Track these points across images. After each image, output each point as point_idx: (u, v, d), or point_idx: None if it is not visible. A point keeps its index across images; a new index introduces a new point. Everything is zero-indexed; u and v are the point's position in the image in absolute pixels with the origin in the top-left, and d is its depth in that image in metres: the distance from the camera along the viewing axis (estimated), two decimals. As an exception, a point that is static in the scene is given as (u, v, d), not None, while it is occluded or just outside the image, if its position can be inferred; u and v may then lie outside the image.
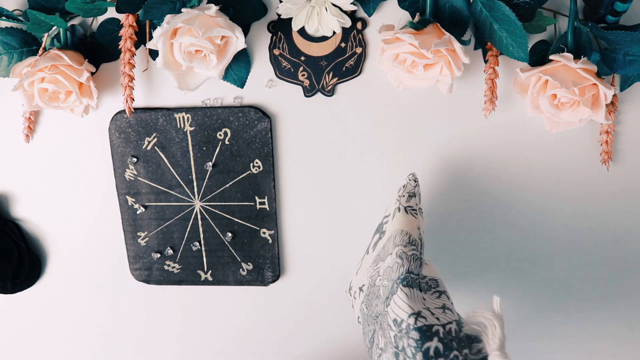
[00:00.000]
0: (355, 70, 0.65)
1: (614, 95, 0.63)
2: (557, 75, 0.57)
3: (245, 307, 0.78)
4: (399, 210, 0.59)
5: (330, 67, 0.65)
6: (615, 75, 0.63)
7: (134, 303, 0.79)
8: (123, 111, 0.68)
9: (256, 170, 0.70)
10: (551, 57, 0.59)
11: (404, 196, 0.60)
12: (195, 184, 0.71)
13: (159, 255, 0.75)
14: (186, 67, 0.60)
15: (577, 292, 0.73)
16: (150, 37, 0.62)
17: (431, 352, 0.48)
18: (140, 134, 0.69)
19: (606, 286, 0.72)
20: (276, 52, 0.65)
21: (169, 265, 0.76)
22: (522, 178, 0.68)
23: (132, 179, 0.72)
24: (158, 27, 0.56)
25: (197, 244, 0.74)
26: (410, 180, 0.61)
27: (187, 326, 0.80)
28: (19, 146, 0.72)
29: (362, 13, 0.63)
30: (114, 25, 0.63)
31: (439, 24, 0.58)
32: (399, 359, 0.50)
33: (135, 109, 0.68)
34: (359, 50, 0.64)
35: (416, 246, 0.56)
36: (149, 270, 0.76)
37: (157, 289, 0.78)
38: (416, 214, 0.59)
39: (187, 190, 0.72)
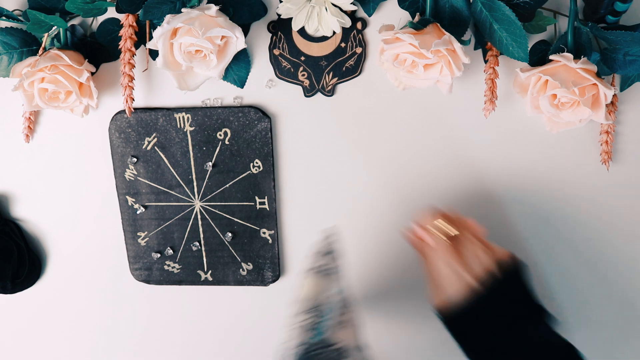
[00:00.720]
0: (355, 70, 0.65)
1: (614, 95, 0.63)
2: (557, 75, 0.57)
3: (245, 307, 0.78)
4: (307, 273, 0.57)
5: (330, 67, 0.65)
6: (615, 75, 0.63)
7: (133, 303, 0.79)
8: (123, 111, 0.68)
9: (256, 170, 0.70)
10: (551, 57, 0.59)
11: (316, 255, 0.58)
12: (195, 184, 0.71)
13: (159, 255, 0.75)
14: (186, 67, 0.60)
15: (576, 292, 0.73)
16: (150, 37, 0.62)
17: None
18: (140, 134, 0.69)
19: (606, 286, 0.72)
20: (276, 52, 0.65)
21: (169, 265, 0.76)
22: (522, 178, 0.68)
23: (132, 179, 0.72)
24: (158, 27, 0.56)
25: (197, 244, 0.74)
26: (324, 237, 0.59)
27: (187, 326, 0.80)
28: (19, 146, 0.72)
29: (362, 13, 0.63)
30: (114, 25, 0.64)
31: (439, 24, 0.58)
32: None
33: (135, 109, 0.68)
34: (359, 50, 0.64)
35: (318, 312, 0.54)
36: (149, 270, 0.76)
37: (157, 289, 0.78)
38: (325, 274, 0.57)
39: (187, 190, 0.72)
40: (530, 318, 0.56)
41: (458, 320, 0.56)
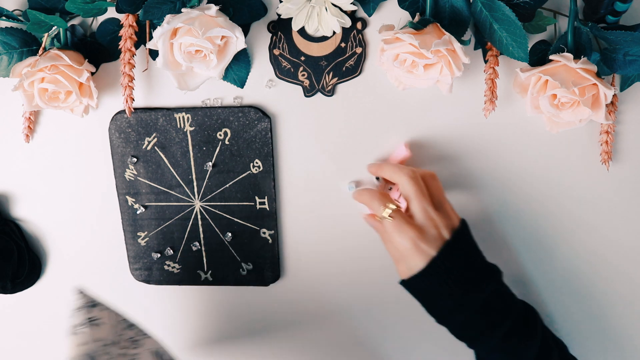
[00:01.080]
0: (355, 70, 0.65)
1: (614, 95, 0.63)
2: (557, 75, 0.57)
3: (245, 307, 0.78)
4: (72, 332, 0.58)
5: (330, 67, 0.65)
6: (615, 75, 0.63)
7: (133, 303, 0.79)
8: (123, 111, 0.68)
9: (256, 170, 0.70)
10: (551, 57, 0.59)
11: (77, 312, 0.58)
12: (195, 184, 0.71)
13: (159, 255, 0.75)
14: (186, 67, 0.59)
15: (575, 292, 0.73)
16: (150, 37, 0.63)
17: None
18: (140, 134, 0.69)
19: (605, 286, 0.72)
20: (276, 52, 0.65)
21: (169, 265, 0.76)
22: (522, 178, 0.68)
23: (132, 179, 0.72)
24: (158, 27, 0.56)
25: (197, 244, 0.74)
26: (79, 292, 0.60)
27: (187, 326, 0.80)
28: (19, 146, 0.72)
29: (362, 13, 0.63)
30: (114, 25, 0.64)
31: (439, 24, 0.58)
32: None
33: (135, 109, 0.68)
34: (359, 50, 0.64)
35: None
36: (149, 270, 0.76)
37: (157, 289, 0.78)
38: (92, 325, 0.57)
39: (187, 190, 0.72)
40: (485, 278, 0.60)
41: (420, 286, 0.60)
